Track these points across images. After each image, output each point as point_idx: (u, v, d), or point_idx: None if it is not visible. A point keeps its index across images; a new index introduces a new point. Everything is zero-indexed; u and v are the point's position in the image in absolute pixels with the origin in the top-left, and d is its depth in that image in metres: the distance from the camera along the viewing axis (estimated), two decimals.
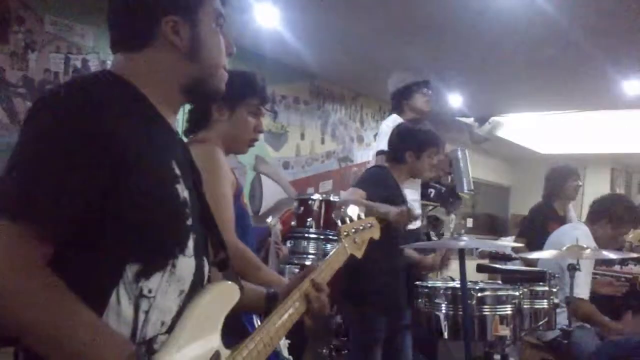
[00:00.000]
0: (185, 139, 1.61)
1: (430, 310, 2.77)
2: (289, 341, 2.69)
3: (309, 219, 3.81)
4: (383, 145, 3.46)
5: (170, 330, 1.07)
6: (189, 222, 1.13)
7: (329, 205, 3.90)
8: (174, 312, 1.09)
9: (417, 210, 3.59)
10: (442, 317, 2.70)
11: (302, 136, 5.81)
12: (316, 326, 3.41)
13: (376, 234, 1.83)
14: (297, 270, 3.46)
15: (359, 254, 1.71)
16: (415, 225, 3.67)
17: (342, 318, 3.66)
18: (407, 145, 3.08)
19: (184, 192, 1.12)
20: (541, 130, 8.27)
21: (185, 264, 1.11)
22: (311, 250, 3.84)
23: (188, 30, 1.17)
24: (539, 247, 3.72)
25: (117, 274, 1.03)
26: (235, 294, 1.19)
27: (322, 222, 3.83)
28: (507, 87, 5.99)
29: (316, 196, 3.94)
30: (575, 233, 3.41)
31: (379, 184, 3.01)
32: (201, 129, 2.17)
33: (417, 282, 2.92)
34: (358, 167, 6.42)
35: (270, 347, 1.25)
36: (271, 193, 5.29)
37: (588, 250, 2.98)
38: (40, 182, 0.97)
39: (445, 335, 2.75)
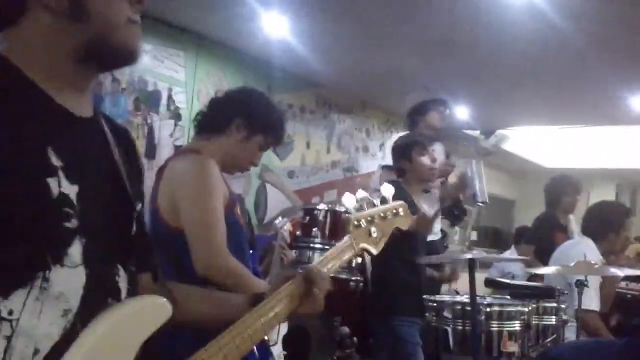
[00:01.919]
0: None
1: (437, 325, 2.73)
2: (285, 352, 2.66)
3: (314, 229, 3.77)
4: (388, 160, 3.57)
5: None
6: (71, 224, 0.90)
7: (334, 215, 3.87)
8: (55, 337, 0.87)
9: (437, 225, 3.65)
10: (449, 331, 2.67)
11: (308, 145, 5.78)
12: (320, 336, 3.37)
13: (405, 224, 1.45)
14: None
15: (374, 250, 1.37)
16: (435, 236, 3.76)
17: (353, 330, 3.62)
18: (398, 155, 3.23)
19: (63, 187, 0.90)
20: (547, 144, 8.24)
21: (66, 276, 0.88)
22: (316, 260, 3.80)
23: None
24: (545, 255, 3.70)
25: None
26: (161, 311, 0.96)
27: (327, 232, 3.80)
28: (513, 100, 5.97)
29: (322, 206, 3.90)
30: (580, 248, 3.40)
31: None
32: (211, 132, 2.15)
33: (425, 296, 2.89)
34: (363, 177, 6.40)
35: (249, 344, 1.09)
36: (276, 202, 5.27)
37: (596, 267, 2.96)
38: None
39: (453, 350, 2.71)
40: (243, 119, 2.11)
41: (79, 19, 0.96)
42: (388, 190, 1.41)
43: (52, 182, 0.88)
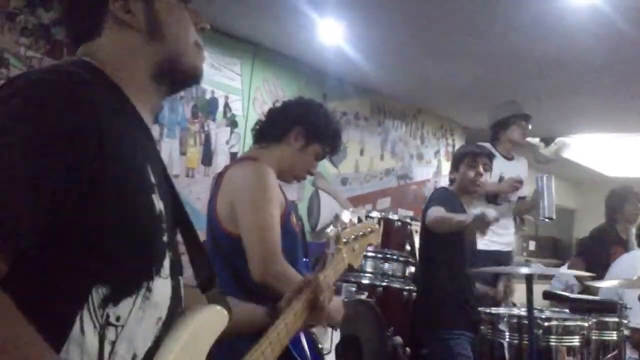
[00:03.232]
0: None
1: (493, 338, 2.67)
2: None
3: None
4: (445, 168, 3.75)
5: None
6: (165, 238, 0.97)
7: (387, 223, 3.86)
8: (149, 343, 0.93)
9: (508, 235, 3.91)
10: (505, 345, 2.61)
11: (362, 152, 5.77)
12: (373, 346, 3.35)
13: (376, 239, 1.68)
14: (353, 288, 3.41)
15: (356, 263, 1.58)
16: (508, 247, 3.93)
17: (406, 340, 3.59)
18: (451, 165, 3.38)
19: (159, 204, 0.96)
20: (609, 152, 7.97)
21: (162, 287, 0.96)
22: (368, 269, 3.80)
23: (141, 7, 1.02)
24: (599, 269, 3.58)
25: (82, 298, 0.86)
26: (223, 319, 1.05)
27: (381, 240, 3.78)
28: (574, 107, 5.80)
29: (375, 214, 3.91)
30: (637, 261, 3.28)
31: (446, 204, 3.12)
32: (269, 141, 2.18)
33: (481, 308, 2.84)
34: (417, 185, 6.33)
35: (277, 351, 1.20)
36: (329, 209, 5.27)
37: None
38: None
39: None
40: (301, 128, 2.15)
41: (154, 38, 1.03)
42: (346, 216, 1.65)
43: (155, 198, 0.95)
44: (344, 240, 1.50)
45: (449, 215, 2.99)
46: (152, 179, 0.96)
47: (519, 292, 2.77)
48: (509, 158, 4.08)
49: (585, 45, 3.99)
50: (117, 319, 0.89)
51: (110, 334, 0.88)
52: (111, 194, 0.87)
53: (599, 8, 3.38)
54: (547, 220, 3.51)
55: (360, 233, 1.57)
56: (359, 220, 1.61)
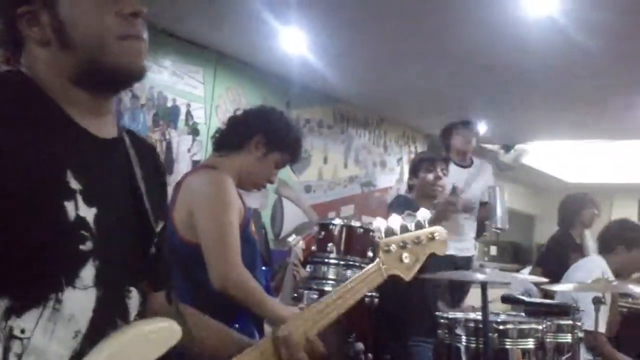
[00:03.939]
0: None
1: (450, 342, 2.71)
2: None
3: (329, 244, 3.77)
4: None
5: None
6: (86, 246, 0.91)
7: (350, 230, 3.87)
8: (65, 358, 0.88)
9: (469, 240, 3.97)
10: (462, 349, 2.65)
11: (325, 160, 5.81)
12: (334, 352, 3.36)
13: (440, 249, 1.38)
14: (315, 296, 3.42)
15: (407, 275, 1.32)
16: (467, 253, 3.95)
17: (368, 346, 3.61)
18: (409, 172, 3.40)
19: (80, 210, 0.91)
20: (568, 158, 8.17)
21: (78, 298, 0.90)
22: (331, 276, 3.79)
23: (47, 19, 0.95)
24: (557, 276, 3.66)
25: None
26: (171, 334, 0.96)
27: (343, 247, 3.80)
28: (532, 114, 5.94)
29: (337, 221, 3.90)
30: (596, 265, 3.36)
31: (403, 211, 3.09)
32: (229, 149, 2.18)
33: (438, 313, 2.88)
34: (381, 192, 6.39)
35: None
36: (292, 217, 5.28)
37: (614, 284, 2.92)
38: None
39: None
40: (262, 137, 2.16)
41: (66, 47, 0.96)
42: (423, 214, 1.36)
43: (69, 205, 0.90)
44: (385, 248, 1.28)
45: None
46: (73, 185, 0.91)
47: (477, 295, 2.82)
48: (465, 165, 4.12)
49: (541, 54, 4.10)
50: (22, 331, 0.85)
51: (15, 346, 0.85)
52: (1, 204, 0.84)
53: (555, 19, 3.48)
54: (499, 230, 3.57)
55: (413, 239, 1.32)
56: (419, 226, 1.34)
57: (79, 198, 0.91)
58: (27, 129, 0.90)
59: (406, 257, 1.31)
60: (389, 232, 1.33)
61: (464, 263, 3.88)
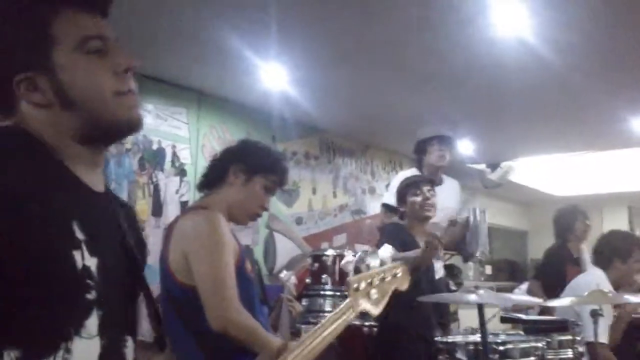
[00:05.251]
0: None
1: None
2: None
3: (323, 276, 3.77)
4: (386, 198, 3.77)
5: None
6: (91, 295, 0.94)
7: (343, 260, 3.86)
8: None
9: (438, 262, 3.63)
10: None
11: (314, 191, 5.81)
12: None
13: (404, 284, 1.51)
14: None
15: (375, 311, 1.43)
16: (437, 274, 3.69)
17: None
18: (397, 199, 3.40)
19: (85, 260, 0.94)
20: (555, 172, 8.23)
21: (84, 347, 0.92)
22: (327, 308, 3.78)
23: (46, 81, 0.99)
24: (556, 290, 3.66)
25: None
26: None
27: (337, 277, 3.79)
28: (515, 132, 6.01)
29: (330, 251, 3.91)
30: (592, 278, 3.37)
31: (395, 240, 3.13)
32: (212, 187, 2.20)
33: (438, 338, 2.87)
34: (372, 218, 6.39)
35: None
36: (285, 250, 5.27)
37: (610, 295, 2.93)
38: None
39: None
40: (238, 164, 2.18)
41: (67, 108, 1.00)
42: (385, 251, 1.47)
43: (77, 255, 0.93)
44: (354, 286, 1.38)
45: (399, 256, 2.98)
46: (79, 235, 0.94)
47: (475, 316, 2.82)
48: (436, 184, 4.03)
49: (515, 73, 4.17)
50: None
51: None
52: (12, 257, 0.86)
53: (525, 39, 3.56)
54: (483, 257, 3.53)
55: (380, 277, 1.43)
56: (382, 263, 1.47)
57: (85, 248, 0.94)
58: (34, 182, 0.93)
59: (374, 293, 1.40)
60: (382, 263, 1.40)
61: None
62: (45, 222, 0.91)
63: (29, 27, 0.99)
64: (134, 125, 1.05)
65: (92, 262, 0.95)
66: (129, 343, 1.01)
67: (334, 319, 1.33)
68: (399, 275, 1.49)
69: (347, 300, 1.37)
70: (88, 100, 1.00)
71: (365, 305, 1.39)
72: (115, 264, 1.00)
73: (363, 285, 1.40)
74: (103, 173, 1.10)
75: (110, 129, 1.04)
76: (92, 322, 0.93)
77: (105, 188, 1.09)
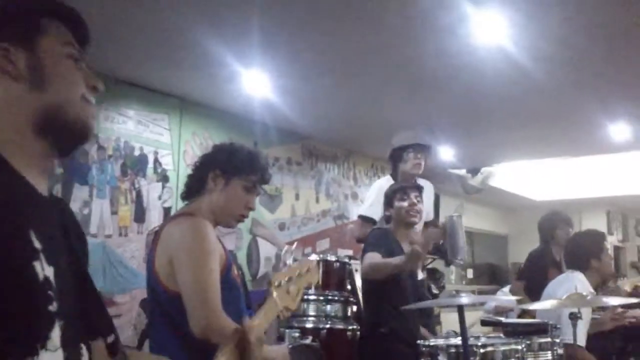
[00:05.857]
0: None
1: None
2: None
3: None
4: (363, 209, 3.87)
5: None
6: (53, 307, 0.90)
7: (326, 264, 3.88)
8: None
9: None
10: None
11: (297, 197, 5.84)
12: None
13: (314, 279, 1.68)
14: (297, 334, 3.41)
15: (293, 305, 1.55)
16: (419, 276, 3.76)
17: None
18: (384, 205, 3.43)
19: (45, 270, 0.90)
20: (534, 177, 8.33)
21: None
22: (311, 312, 3.78)
23: (24, 57, 0.99)
24: (537, 291, 3.72)
25: None
26: None
27: (321, 282, 3.80)
28: (495, 138, 6.08)
29: (313, 257, 3.91)
30: (571, 282, 3.42)
31: (381, 246, 3.22)
32: (195, 195, 2.21)
33: (419, 341, 2.90)
34: (354, 224, 6.42)
35: None
36: (268, 255, 5.28)
37: (588, 298, 2.98)
38: None
39: None
40: (214, 169, 2.19)
41: (37, 87, 0.99)
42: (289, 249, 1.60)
43: (37, 266, 0.88)
44: (276, 283, 1.49)
45: (384, 262, 3.08)
46: (36, 244, 0.90)
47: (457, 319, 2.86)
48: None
49: (495, 80, 4.23)
50: None
51: None
52: None
53: (503, 47, 3.61)
54: (461, 262, 3.58)
55: (296, 274, 1.55)
56: (295, 260, 1.63)
57: (43, 258, 0.90)
58: None
59: (292, 289, 1.54)
60: None
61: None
62: (3, 233, 0.86)
63: (22, 11, 1.02)
64: (87, 133, 1.05)
65: (50, 272, 0.90)
66: (84, 351, 0.99)
67: (262, 315, 1.46)
68: (311, 271, 1.62)
69: (273, 297, 1.48)
70: (61, 88, 1.01)
71: (284, 300, 1.51)
72: (66, 270, 0.96)
73: (283, 282, 1.51)
74: (47, 178, 1.06)
75: (67, 124, 1.01)
76: (56, 334, 0.90)
77: (48, 190, 1.05)
